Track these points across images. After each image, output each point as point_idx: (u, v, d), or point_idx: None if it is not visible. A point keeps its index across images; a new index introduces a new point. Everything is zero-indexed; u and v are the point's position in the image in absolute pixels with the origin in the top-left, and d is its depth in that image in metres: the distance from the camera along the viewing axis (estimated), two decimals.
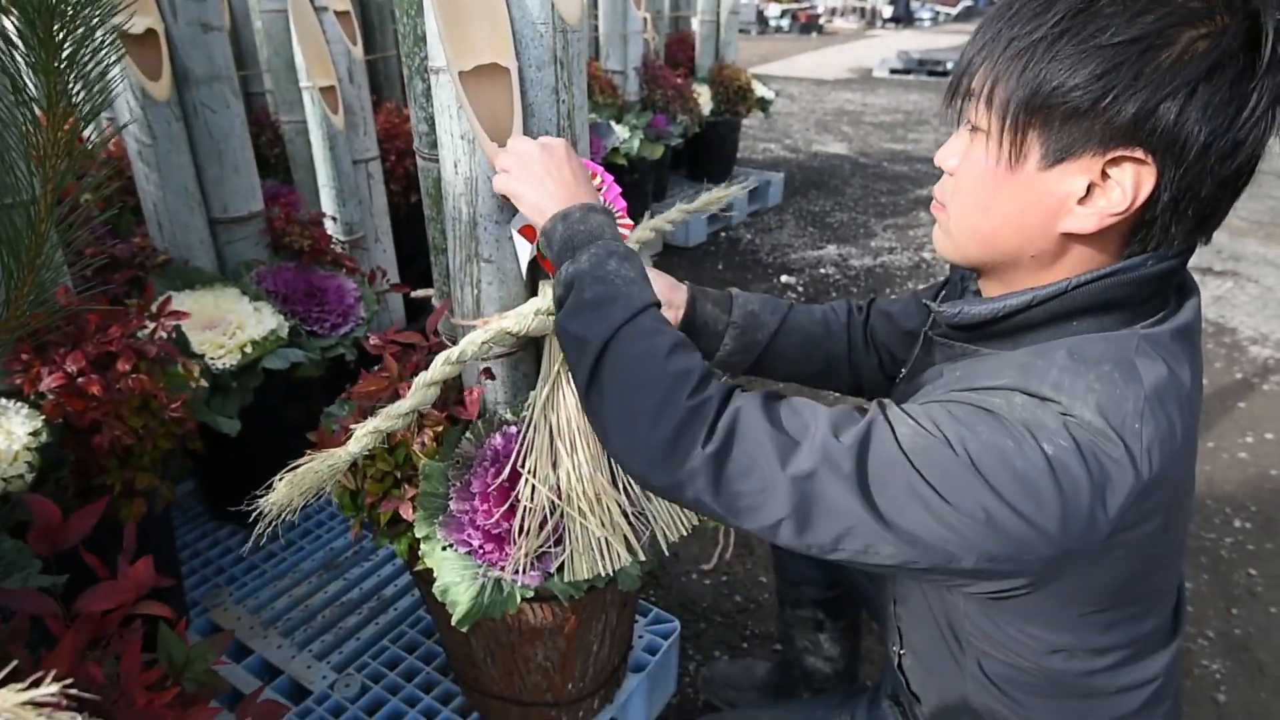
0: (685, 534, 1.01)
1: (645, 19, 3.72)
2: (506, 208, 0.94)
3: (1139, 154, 0.61)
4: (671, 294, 1.03)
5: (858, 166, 5.60)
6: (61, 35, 0.50)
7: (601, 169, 1.01)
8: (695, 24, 4.17)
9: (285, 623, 1.49)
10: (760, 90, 4.26)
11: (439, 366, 0.94)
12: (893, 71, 9.93)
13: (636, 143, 3.37)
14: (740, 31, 15.73)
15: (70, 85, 0.54)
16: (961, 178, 0.72)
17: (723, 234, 4.16)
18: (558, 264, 0.81)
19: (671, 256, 3.77)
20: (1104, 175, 0.63)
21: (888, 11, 18.30)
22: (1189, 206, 0.63)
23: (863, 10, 18.72)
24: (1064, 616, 0.72)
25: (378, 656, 1.42)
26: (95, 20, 0.51)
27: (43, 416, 1.08)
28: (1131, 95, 0.59)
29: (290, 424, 1.33)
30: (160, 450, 1.18)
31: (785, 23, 16.88)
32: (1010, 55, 0.64)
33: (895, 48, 11.02)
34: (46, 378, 1.07)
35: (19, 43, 0.49)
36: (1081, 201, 0.64)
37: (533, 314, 0.97)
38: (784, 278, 3.62)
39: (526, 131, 0.96)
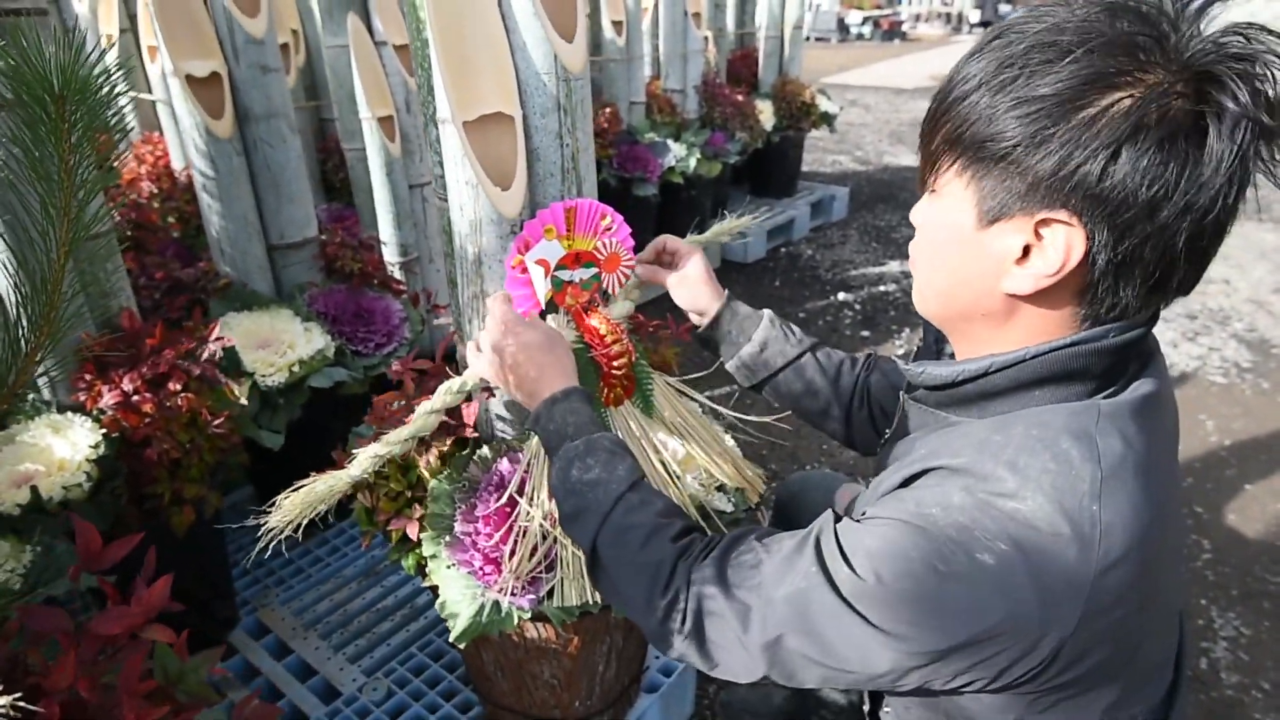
0: None
1: (706, 37, 3.74)
2: (509, 249, 0.99)
3: (1064, 216, 0.60)
4: (705, 305, 1.09)
5: None
6: (71, 118, 0.57)
7: (611, 210, 1.04)
8: (760, 39, 4.17)
9: (324, 625, 1.58)
10: (824, 105, 4.23)
11: (440, 396, 1.00)
12: None
13: (693, 161, 3.40)
14: (820, 40, 15.60)
15: (80, 164, 0.61)
16: (920, 235, 0.73)
17: (783, 250, 4.14)
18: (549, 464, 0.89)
19: (729, 273, 3.78)
20: (1038, 235, 0.63)
21: (975, 16, 17.76)
22: (1134, 270, 0.62)
23: (948, 15, 18.22)
24: (1044, 701, 0.70)
25: (405, 662, 1.49)
26: (98, 105, 0.58)
27: (103, 430, 1.19)
28: (1046, 154, 0.59)
29: (338, 437, 1.42)
30: (206, 463, 1.28)
31: (867, 30, 16.59)
32: (944, 110, 0.65)
33: None
34: (106, 395, 1.18)
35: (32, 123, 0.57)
36: (1019, 261, 0.64)
37: None
38: (841, 295, 3.58)
39: (531, 175, 1.01)
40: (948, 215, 0.68)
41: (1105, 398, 0.66)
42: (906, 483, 0.68)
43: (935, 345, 0.88)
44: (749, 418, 1.13)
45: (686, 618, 0.73)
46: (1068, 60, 0.59)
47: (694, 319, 1.12)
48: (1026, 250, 0.63)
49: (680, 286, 1.09)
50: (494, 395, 1.10)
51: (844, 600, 0.65)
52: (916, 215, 0.74)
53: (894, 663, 0.64)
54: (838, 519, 0.72)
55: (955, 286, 0.70)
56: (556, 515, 0.96)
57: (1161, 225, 0.59)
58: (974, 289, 0.68)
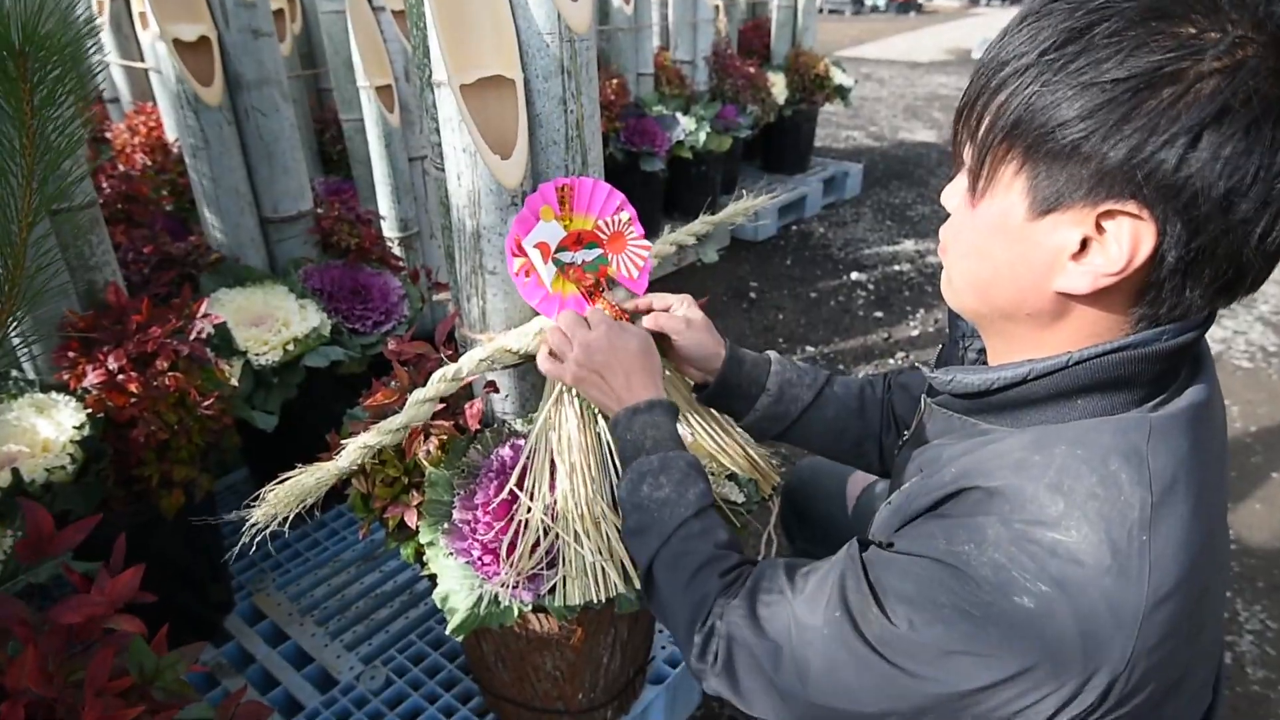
0: None
1: (717, 6, 3.66)
2: (510, 221, 0.94)
3: (1133, 208, 0.54)
4: (711, 351, 1.00)
5: (946, 155, 5.38)
6: (34, 78, 0.53)
7: (623, 197, 0.99)
8: (773, 9, 4.07)
9: (322, 611, 1.55)
10: (839, 78, 4.13)
11: (434, 384, 0.96)
12: None
13: (703, 135, 3.33)
14: (834, 12, 15.38)
15: (44, 127, 0.57)
16: (957, 221, 0.67)
17: (794, 228, 4.07)
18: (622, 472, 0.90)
19: (739, 251, 3.72)
20: (1099, 229, 0.56)
21: None
22: (1204, 269, 0.56)
23: None
24: None
25: (404, 650, 1.46)
26: (62, 66, 0.53)
27: (87, 410, 1.15)
28: (1118, 141, 0.52)
29: (336, 418, 1.39)
30: (196, 445, 1.24)
31: (882, 2, 16.34)
32: (996, 85, 0.58)
33: (999, 26, 10.51)
34: (90, 373, 1.14)
35: None
36: (1075, 257, 0.58)
37: (534, 334, 0.97)
38: (854, 275, 3.52)
39: (533, 142, 0.96)
40: (992, 202, 0.61)
41: (1154, 408, 0.61)
42: (936, 505, 0.63)
43: (962, 341, 0.82)
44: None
45: (718, 655, 0.72)
46: (1140, 31, 0.52)
47: (694, 375, 1.04)
48: (1084, 244, 0.57)
49: (687, 332, 0.99)
50: (498, 390, 1.06)
51: (871, 646, 0.62)
52: (951, 198, 0.68)
53: (924, 704, 0.61)
54: (864, 546, 0.68)
55: (997, 282, 0.63)
56: (560, 511, 0.92)
57: (1240, 219, 0.53)
58: (1019, 286, 0.62)
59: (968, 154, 0.63)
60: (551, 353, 0.94)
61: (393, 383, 1.11)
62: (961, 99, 0.63)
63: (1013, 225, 0.60)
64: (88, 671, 0.58)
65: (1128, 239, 0.55)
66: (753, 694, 0.71)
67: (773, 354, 1.04)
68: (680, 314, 1.00)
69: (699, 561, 0.77)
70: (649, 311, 1.01)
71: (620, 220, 0.99)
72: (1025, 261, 0.60)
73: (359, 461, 0.92)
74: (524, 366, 1.05)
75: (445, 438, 1.05)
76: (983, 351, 0.77)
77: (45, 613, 0.65)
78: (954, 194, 0.68)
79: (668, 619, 0.80)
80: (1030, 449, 0.60)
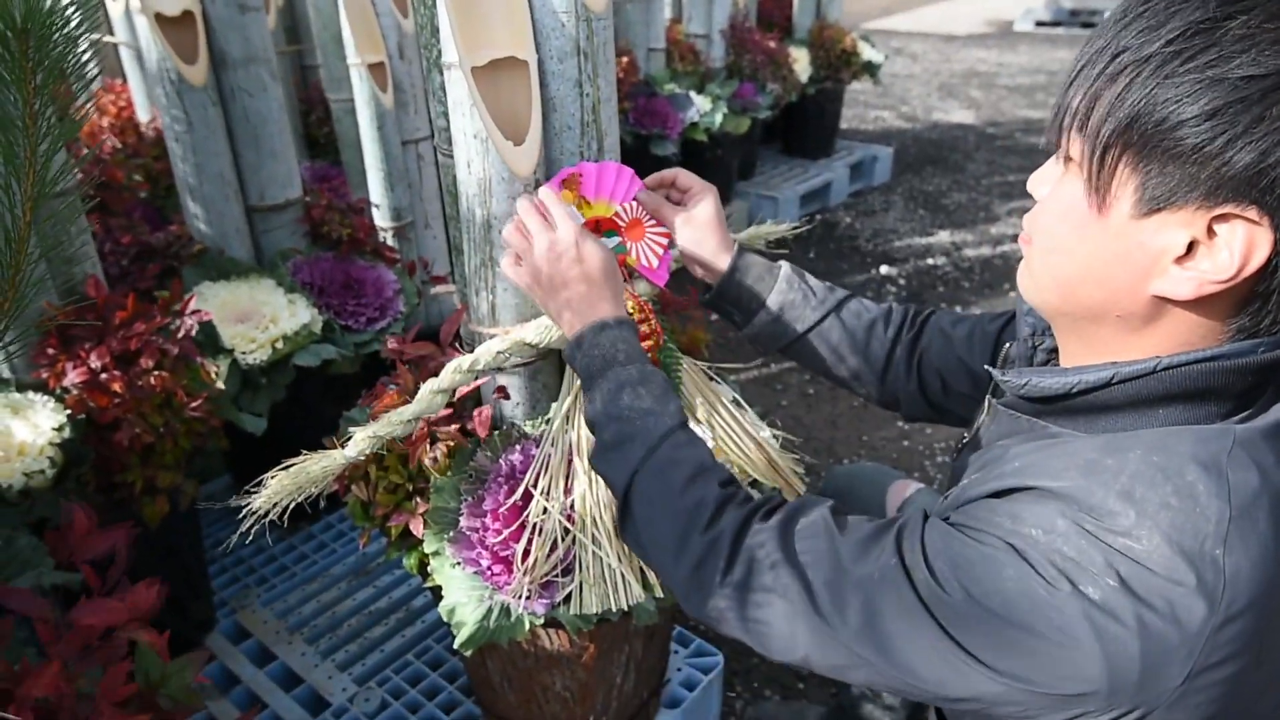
0: None
1: None
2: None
3: (1253, 214, 0.56)
4: (714, 254, 1.04)
5: (984, 138, 5.41)
6: (36, 56, 0.57)
7: (633, 172, 1.03)
8: None
9: (311, 629, 1.59)
10: (867, 53, 4.17)
11: (449, 374, 1.00)
12: (1039, 24, 9.48)
13: (719, 115, 3.37)
14: None
15: (46, 108, 0.61)
16: (1047, 211, 0.69)
17: (818, 216, 4.11)
18: (585, 393, 0.90)
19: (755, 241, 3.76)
20: (1210, 232, 0.58)
21: None
22: None
23: None
24: None
25: (400, 671, 1.50)
26: (66, 41, 0.57)
27: (67, 411, 1.19)
28: (1248, 143, 0.55)
29: (327, 421, 1.43)
30: (182, 449, 1.28)
31: None
32: (1113, 72, 0.60)
33: None
34: (71, 372, 1.19)
35: None
36: (1179, 260, 0.60)
37: (553, 328, 1.01)
38: (884, 268, 3.56)
39: (547, 127, 1.00)
40: (1094, 196, 0.63)
41: (1240, 421, 0.64)
42: (995, 495, 0.66)
43: (1032, 339, 0.84)
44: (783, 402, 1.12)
45: (733, 569, 0.72)
46: (1278, 26, 0.54)
47: (699, 273, 1.08)
48: (1190, 247, 0.60)
49: (686, 228, 1.04)
50: (508, 397, 1.10)
51: (921, 601, 0.64)
52: (1041, 185, 0.71)
53: (967, 688, 0.63)
54: (926, 518, 0.70)
55: (1088, 281, 0.66)
56: (580, 446, 0.96)
57: None
58: (1112, 286, 0.64)
59: (1070, 142, 0.65)
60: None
61: (393, 385, 1.15)
62: (1067, 83, 0.65)
63: (1114, 223, 0.62)
64: (103, 682, 0.62)
65: (1241, 245, 0.57)
66: (763, 612, 0.71)
67: (785, 267, 1.06)
68: (691, 208, 1.04)
69: (692, 469, 0.78)
70: (667, 192, 1.07)
71: (633, 207, 1.03)
72: (1122, 260, 0.63)
73: (367, 451, 0.96)
74: (535, 366, 1.09)
75: (452, 444, 1.08)
76: (1052, 351, 0.80)
77: (65, 615, 0.69)
78: (1043, 181, 0.71)
79: (654, 532, 0.79)
80: (1101, 451, 0.63)
